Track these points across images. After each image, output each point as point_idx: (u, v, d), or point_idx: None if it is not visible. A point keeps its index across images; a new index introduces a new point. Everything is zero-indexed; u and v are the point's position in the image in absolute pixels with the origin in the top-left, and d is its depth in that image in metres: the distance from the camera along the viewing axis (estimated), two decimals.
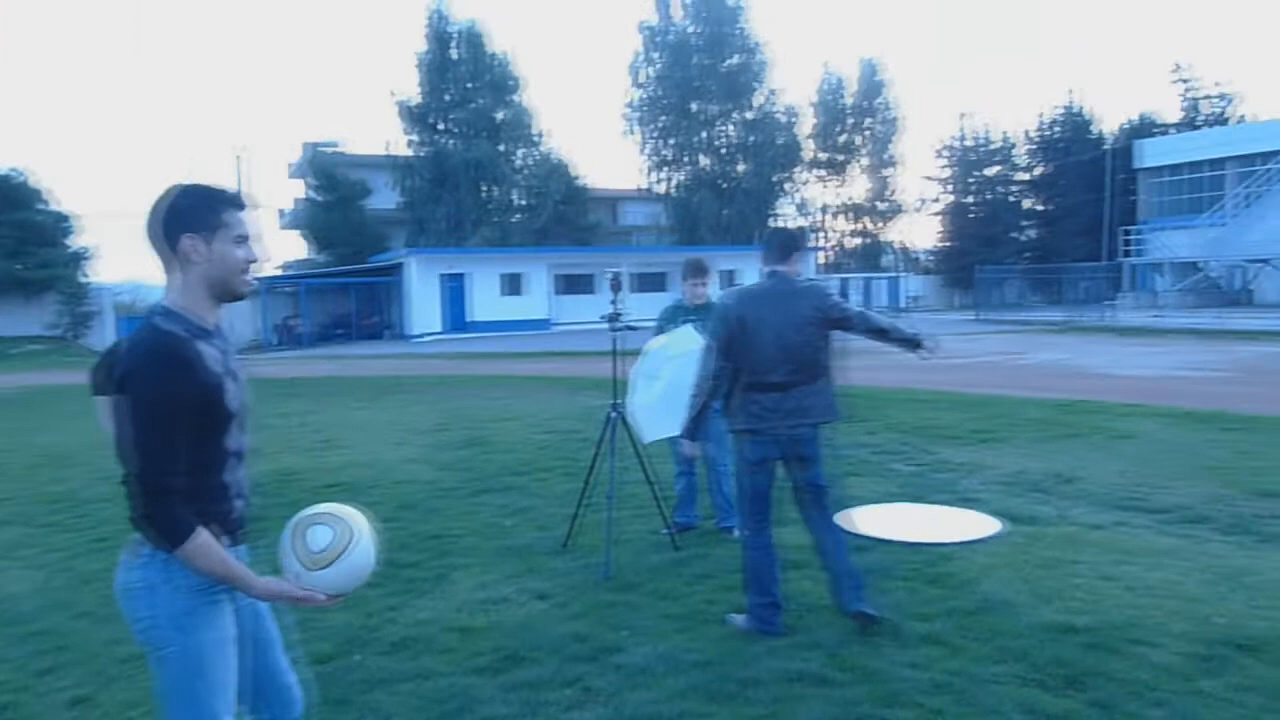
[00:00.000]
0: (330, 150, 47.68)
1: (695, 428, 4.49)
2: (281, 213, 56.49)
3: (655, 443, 5.72)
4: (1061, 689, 3.70)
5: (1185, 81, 52.37)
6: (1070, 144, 52.26)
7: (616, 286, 5.44)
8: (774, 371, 4.21)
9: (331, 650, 4.22)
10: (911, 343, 4.50)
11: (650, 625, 4.43)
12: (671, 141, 50.86)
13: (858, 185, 63.78)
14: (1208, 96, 51.88)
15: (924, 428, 10.10)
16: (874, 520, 6.20)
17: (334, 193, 42.39)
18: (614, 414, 5.62)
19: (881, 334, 4.42)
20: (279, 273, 47.65)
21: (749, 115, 50.55)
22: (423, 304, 36.09)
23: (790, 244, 4.44)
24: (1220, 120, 50.70)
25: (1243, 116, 50.52)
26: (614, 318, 5.39)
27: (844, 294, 48.99)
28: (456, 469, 8.46)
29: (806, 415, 4.25)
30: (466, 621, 4.54)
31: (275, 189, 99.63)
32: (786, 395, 4.22)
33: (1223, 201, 42.11)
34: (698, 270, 5.95)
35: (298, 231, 46.71)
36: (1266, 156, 41.65)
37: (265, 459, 9.13)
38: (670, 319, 5.97)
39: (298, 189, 50.46)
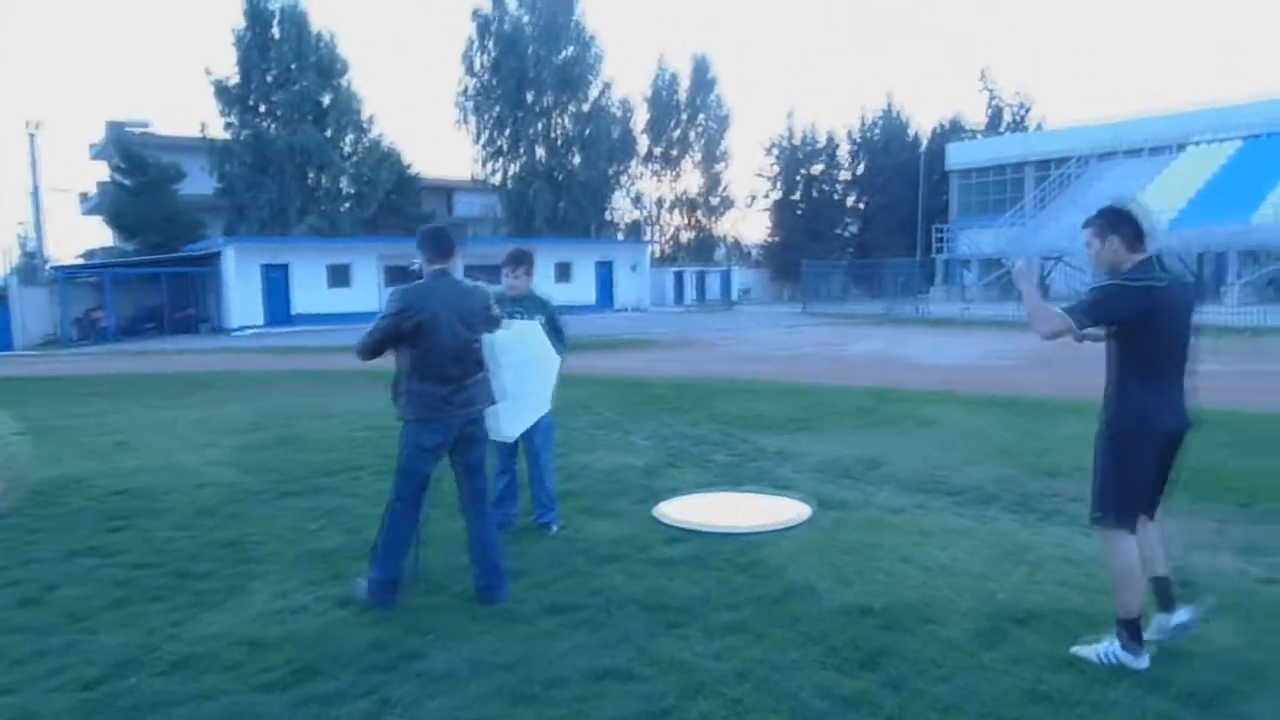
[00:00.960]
0: (138, 130, 44.57)
1: None
2: (83, 197, 52.53)
3: None
4: (856, 670, 3.81)
5: (990, 90, 56.02)
6: (889, 144, 54.93)
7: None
8: (451, 366, 4.51)
9: (100, 674, 3.88)
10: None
11: (456, 628, 4.30)
12: (506, 132, 50.31)
13: (690, 180, 65.05)
14: (1009, 105, 55.65)
15: (745, 417, 10.33)
16: (689, 510, 6.27)
17: (142, 176, 39.61)
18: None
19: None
20: (80, 261, 44.36)
21: (584, 107, 50.61)
22: (242, 295, 34.39)
23: (449, 242, 4.69)
24: (1020, 126, 54.48)
25: (1039, 124, 54.45)
26: None
27: (679, 286, 50.04)
28: (263, 471, 8.02)
29: (474, 404, 4.60)
30: (259, 634, 4.28)
31: (75, 171, 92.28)
32: (461, 387, 4.54)
33: (1022, 202, 45.35)
34: (516, 260, 5.85)
35: (101, 218, 43.43)
36: (1060, 161, 45.28)
37: (46, 464, 8.41)
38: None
39: (100, 171, 46.95)
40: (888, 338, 23.60)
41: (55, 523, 6.39)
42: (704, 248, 58.63)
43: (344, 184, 44.30)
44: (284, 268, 35.95)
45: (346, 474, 7.72)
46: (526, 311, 5.74)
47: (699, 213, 58.77)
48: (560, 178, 50.51)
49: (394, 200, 46.73)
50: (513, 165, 51.02)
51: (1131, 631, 3.80)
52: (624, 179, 55.26)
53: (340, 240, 38.86)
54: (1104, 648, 3.85)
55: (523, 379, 5.43)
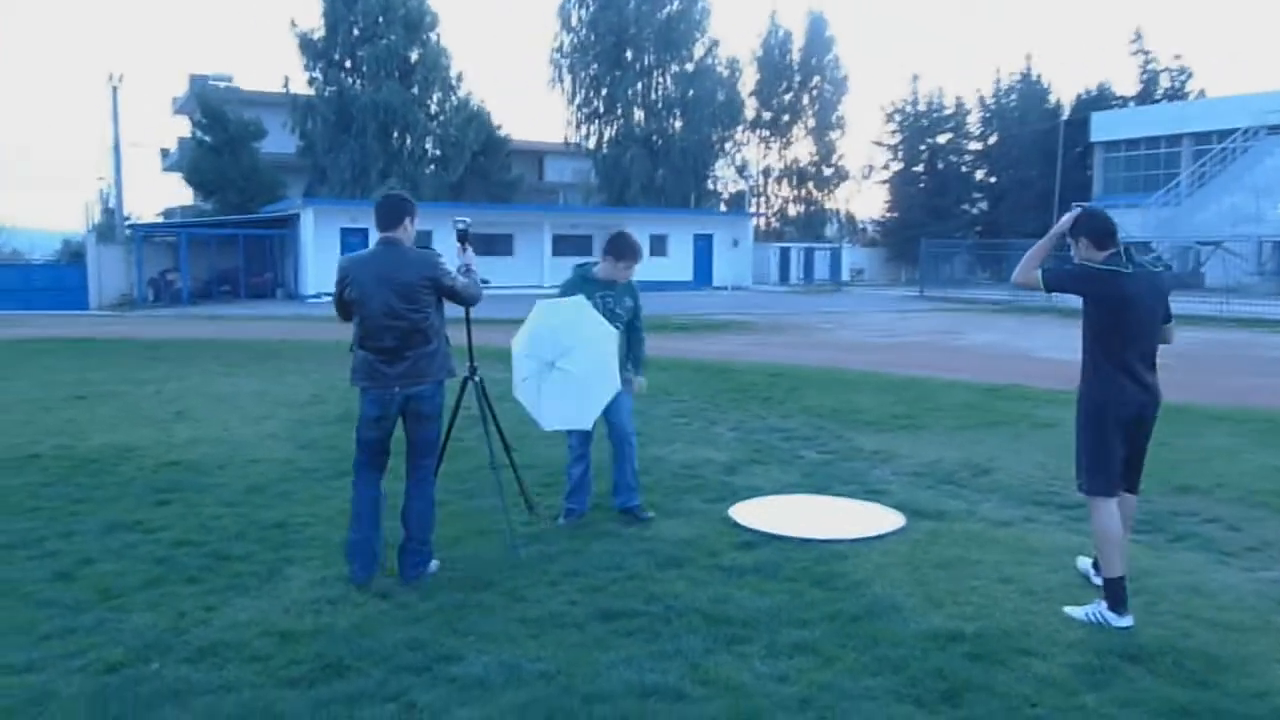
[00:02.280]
0: (220, 85, 46.10)
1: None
2: (164, 153, 54.68)
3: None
4: (937, 704, 3.64)
5: (1144, 53, 53.57)
6: (1025, 113, 53.16)
7: (464, 239, 5.27)
8: (384, 336, 4.73)
9: (124, 656, 3.98)
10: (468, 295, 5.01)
11: (499, 630, 4.28)
12: (603, 92, 50.42)
13: (801, 148, 64.23)
14: (1166, 69, 53.16)
15: (841, 411, 10.13)
16: (768, 513, 6.15)
17: (223, 133, 41.02)
18: (475, 378, 5.54)
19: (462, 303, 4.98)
20: (158, 220, 46.27)
21: (687, 67, 50.31)
22: (319, 260, 35.30)
23: (399, 210, 4.84)
24: (1178, 95, 52.03)
25: (1202, 91, 51.93)
26: (464, 272, 5.15)
27: (784, 264, 49.55)
28: (320, 447, 8.20)
29: (417, 377, 4.78)
30: (291, 624, 4.33)
31: (156, 126, 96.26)
32: (398, 358, 4.74)
33: (1177, 179, 43.33)
34: (627, 254, 5.92)
35: (180, 175, 45.14)
36: (1222, 135, 42.95)
37: (102, 431, 8.74)
38: (575, 289, 5.84)
39: (182, 127, 48.84)
40: (1011, 328, 22.89)
41: (103, 493, 6.63)
42: (813, 223, 57.88)
43: (429, 145, 45.09)
44: (363, 232, 36.69)
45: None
46: (615, 297, 5.88)
47: (809, 184, 58.02)
48: (659, 143, 50.39)
49: (481, 163, 47.34)
50: (608, 129, 51.14)
51: (1114, 591, 4.46)
52: (728, 146, 54.89)
53: (423, 205, 39.27)
54: (1091, 608, 4.53)
55: (588, 359, 5.42)
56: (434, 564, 5.05)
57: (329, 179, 43.01)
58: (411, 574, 4.89)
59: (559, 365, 5.47)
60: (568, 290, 5.91)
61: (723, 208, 55.20)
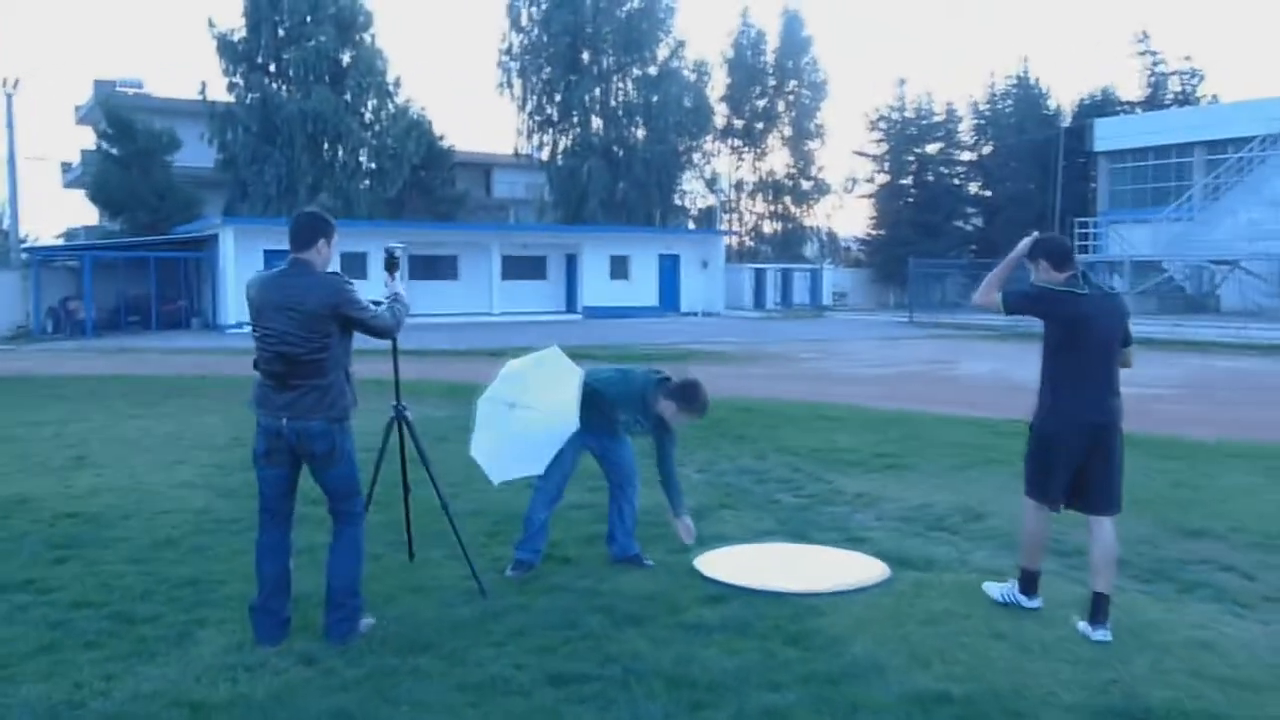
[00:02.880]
0: (129, 91, 46.12)
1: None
2: (65, 167, 54.30)
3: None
4: None
5: (1151, 54, 54.79)
6: (1021, 120, 54.12)
7: (392, 266, 5.34)
8: (274, 362, 4.84)
9: None
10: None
11: (436, 698, 4.28)
12: (557, 99, 50.85)
13: (777, 159, 65.03)
14: (1175, 72, 54.38)
15: (822, 450, 10.23)
16: (738, 564, 6.19)
17: (132, 145, 40.83)
18: (401, 411, 5.72)
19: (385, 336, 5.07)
20: (58, 242, 45.84)
21: (650, 71, 50.93)
22: (240, 287, 34.98)
23: (312, 229, 4.91)
24: (1189, 100, 53.15)
25: (1215, 96, 53.07)
26: (393, 300, 5.21)
27: (759, 287, 49.94)
28: (240, 496, 8.11)
29: (299, 412, 4.81)
30: (204, 694, 4.30)
31: (57, 138, 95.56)
32: (286, 387, 4.82)
33: (1189, 192, 44.08)
34: (701, 410, 6.08)
35: (84, 192, 44.84)
36: (1238, 143, 43.58)
37: None
38: (626, 400, 6.11)
39: (86, 138, 48.52)
40: (1011, 356, 23.16)
41: None
42: (791, 241, 58.46)
43: (364, 157, 45.16)
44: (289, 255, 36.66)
45: None
46: (646, 426, 6.12)
47: (786, 199, 58.66)
48: (620, 154, 50.81)
49: (422, 177, 47.48)
50: (563, 138, 51.54)
51: (1027, 580, 5.48)
52: (696, 157, 55.45)
53: (358, 224, 39.55)
54: (1007, 588, 5.54)
55: (548, 397, 5.70)
56: (365, 622, 5.05)
57: (251, 195, 42.89)
58: (336, 635, 4.91)
59: (519, 405, 5.60)
60: (618, 390, 6.06)
61: (691, 225, 55.66)
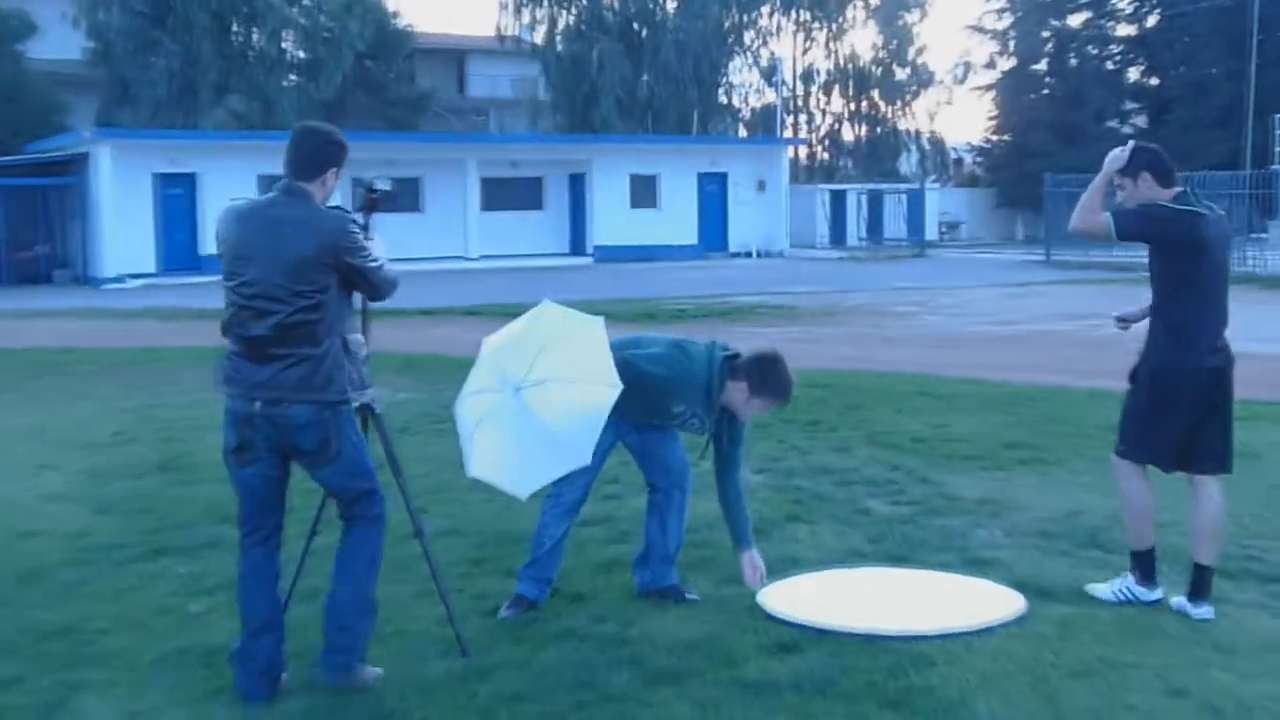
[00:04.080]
0: None
1: None
2: None
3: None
4: None
5: None
6: None
7: (371, 206, 5.29)
8: (252, 322, 4.89)
9: None
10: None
11: None
12: None
13: (861, 39, 64.72)
14: None
15: (929, 440, 10.25)
16: (814, 597, 6.19)
17: None
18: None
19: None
20: None
21: None
22: (123, 225, 35.30)
23: (325, 153, 5.02)
24: None
25: None
26: None
27: (838, 216, 49.81)
28: (128, 510, 8.25)
29: (292, 391, 4.87)
30: None
31: None
32: (266, 358, 4.88)
33: None
34: (788, 395, 6.16)
35: None
36: None
37: None
38: (685, 390, 6.03)
39: None
40: None
41: None
42: (881, 153, 58.34)
43: (289, 44, 45.27)
44: (190, 180, 36.80)
45: None
46: (704, 422, 6.09)
47: (874, 94, 58.42)
48: (643, 34, 50.74)
49: (370, 70, 47.55)
50: (565, 14, 51.52)
51: (1145, 564, 6.06)
52: (749, 37, 55.27)
53: (280, 136, 39.53)
54: (1118, 584, 6.08)
55: (571, 368, 5.59)
56: (372, 672, 5.16)
57: (135, 98, 43.09)
58: (332, 671, 5.10)
59: (529, 383, 5.48)
60: (674, 372, 5.97)
61: (742, 132, 55.51)
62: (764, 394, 5.98)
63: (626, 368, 5.66)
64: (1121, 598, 6.00)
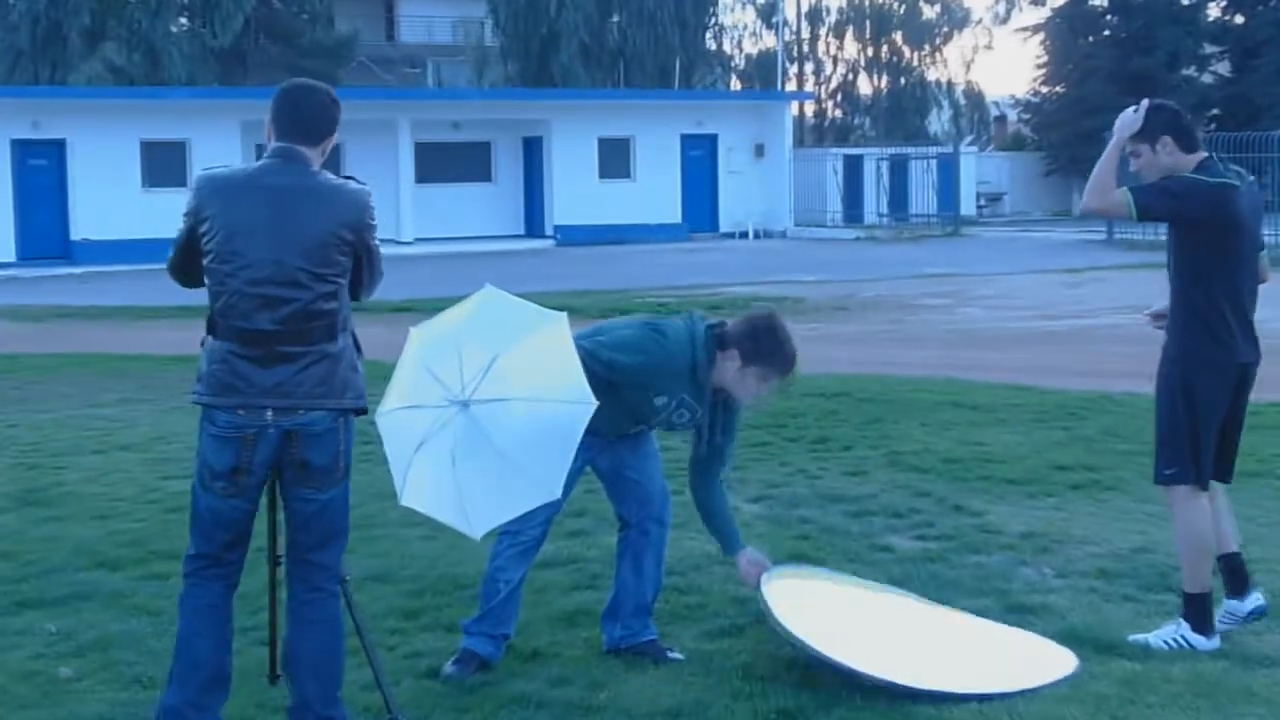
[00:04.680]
0: None
1: None
2: None
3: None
4: None
5: None
6: None
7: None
8: (258, 315, 4.89)
9: None
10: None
11: None
12: None
13: None
14: None
15: (963, 460, 10.30)
16: (827, 611, 6.31)
17: None
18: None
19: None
20: None
21: None
22: None
23: (330, 116, 5.14)
24: None
25: None
26: None
27: (853, 187, 49.87)
28: None
29: (313, 396, 4.93)
30: None
31: None
32: (277, 358, 4.89)
33: None
34: (782, 363, 6.13)
35: None
36: None
37: None
38: (660, 380, 6.04)
39: None
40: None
41: None
42: (905, 109, 58.46)
43: None
44: (57, 148, 36.68)
45: (144, 565, 7.88)
46: (694, 410, 6.12)
47: (896, 37, 58.56)
48: None
49: (277, 12, 47.47)
50: None
51: (1201, 609, 6.17)
52: None
53: (171, 93, 39.59)
54: (1169, 632, 6.20)
55: (539, 372, 5.53)
56: None
57: None
58: None
59: (477, 397, 5.38)
60: (649, 355, 6.00)
61: (735, 84, 55.57)
62: (759, 362, 5.98)
63: (591, 360, 5.67)
64: (1173, 646, 6.10)
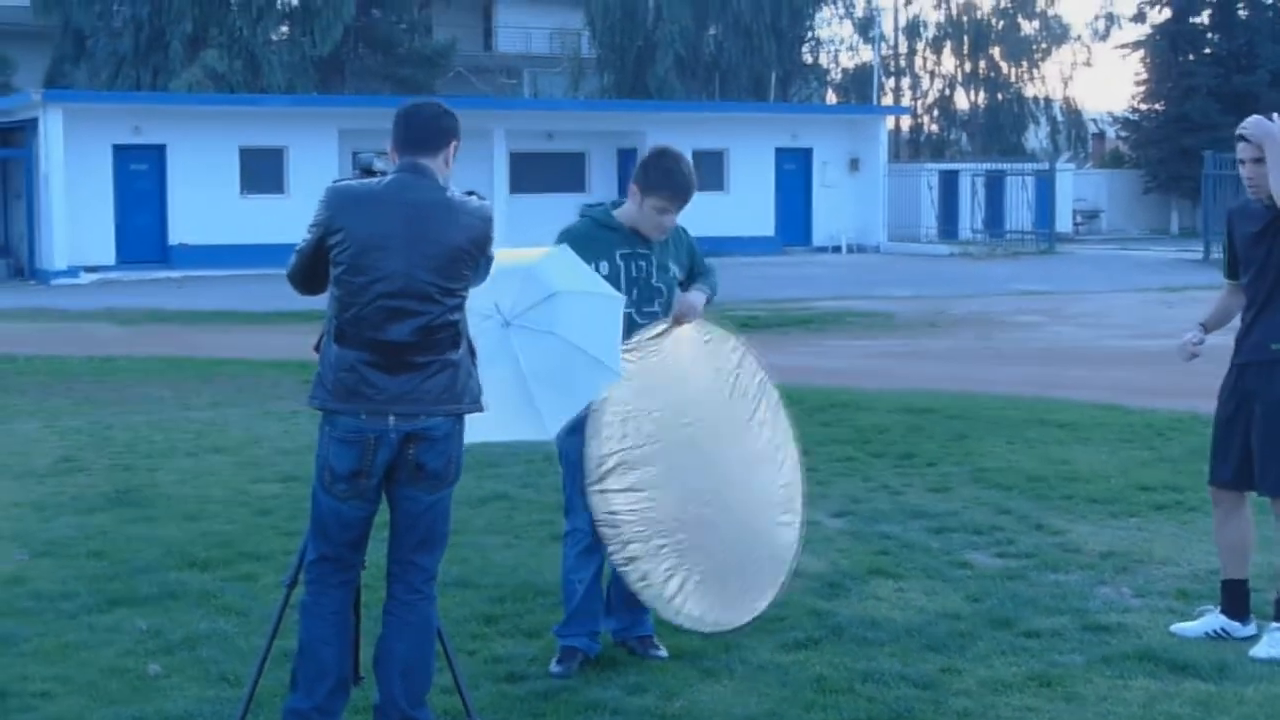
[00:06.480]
0: None
1: None
2: None
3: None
4: None
5: None
6: None
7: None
8: (389, 325, 5.03)
9: None
10: None
11: None
12: None
13: None
14: None
15: (1046, 479, 10.26)
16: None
17: None
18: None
19: None
20: None
21: None
22: (76, 208, 35.53)
23: (445, 126, 5.29)
24: None
25: None
26: None
27: (949, 204, 49.55)
28: (76, 554, 8.34)
29: (438, 402, 5.11)
30: None
31: None
32: (405, 366, 5.06)
33: None
34: (674, 186, 6.34)
35: None
36: None
37: None
38: (579, 244, 6.26)
39: None
40: None
41: None
42: (1003, 124, 58.05)
43: None
44: (157, 153, 37.01)
45: (231, 566, 8.01)
46: (650, 261, 6.44)
47: (994, 53, 58.18)
48: None
49: (376, 21, 47.74)
50: None
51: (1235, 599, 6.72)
52: None
53: (270, 101, 39.86)
54: (1209, 622, 6.69)
55: (571, 313, 5.95)
56: None
57: (93, 54, 43.40)
58: None
59: (519, 325, 5.82)
60: (572, 244, 6.27)
61: (831, 98, 55.42)
62: (650, 191, 6.26)
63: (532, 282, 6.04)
64: (1213, 634, 6.63)
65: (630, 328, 6.18)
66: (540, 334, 5.85)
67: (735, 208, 42.58)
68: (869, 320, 23.87)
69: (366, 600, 5.52)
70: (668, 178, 6.28)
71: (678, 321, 6.38)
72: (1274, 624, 6.49)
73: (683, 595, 6.13)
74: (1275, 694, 5.96)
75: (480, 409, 5.24)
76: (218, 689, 6.04)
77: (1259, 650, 6.37)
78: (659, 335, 6.32)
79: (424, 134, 5.21)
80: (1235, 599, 6.74)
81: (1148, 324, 23.07)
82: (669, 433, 6.30)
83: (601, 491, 6.00)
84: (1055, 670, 6.26)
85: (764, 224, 43.53)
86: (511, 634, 6.65)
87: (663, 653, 6.39)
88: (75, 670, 6.33)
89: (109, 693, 6.02)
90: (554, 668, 6.18)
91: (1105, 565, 8.05)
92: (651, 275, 6.31)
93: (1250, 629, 6.62)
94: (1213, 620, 6.70)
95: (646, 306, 6.28)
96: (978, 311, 25.50)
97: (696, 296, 6.47)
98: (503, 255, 5.89)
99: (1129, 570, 7.95)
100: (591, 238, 6.28)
